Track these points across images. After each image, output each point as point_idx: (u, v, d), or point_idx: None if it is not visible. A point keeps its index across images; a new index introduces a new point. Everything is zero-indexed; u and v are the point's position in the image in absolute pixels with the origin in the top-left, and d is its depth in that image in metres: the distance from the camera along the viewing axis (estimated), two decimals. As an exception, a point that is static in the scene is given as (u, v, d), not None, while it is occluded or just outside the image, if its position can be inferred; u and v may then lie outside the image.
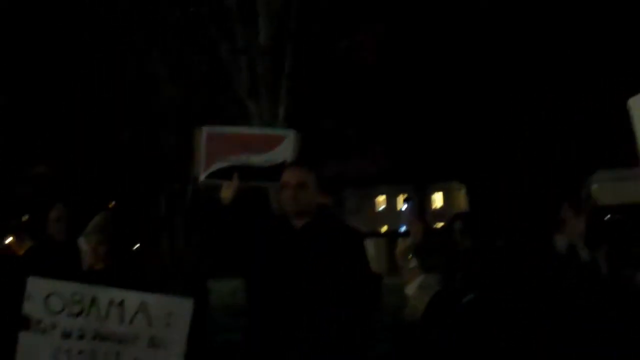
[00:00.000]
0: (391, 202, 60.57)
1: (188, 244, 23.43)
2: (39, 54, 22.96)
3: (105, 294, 4.49)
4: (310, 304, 4.08)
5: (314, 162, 4.45)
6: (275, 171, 4.67)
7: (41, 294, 4.45)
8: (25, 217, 32.26)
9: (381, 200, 61.11)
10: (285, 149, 4.83)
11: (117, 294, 4.50)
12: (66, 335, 4.44)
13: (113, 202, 26.60)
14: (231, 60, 17.71)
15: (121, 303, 4.46)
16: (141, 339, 4.46)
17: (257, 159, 4.81)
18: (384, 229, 52.24)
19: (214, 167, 4.80)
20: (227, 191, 4.56)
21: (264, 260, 4.19)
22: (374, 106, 25.15)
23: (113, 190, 27.18)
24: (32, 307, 4.44)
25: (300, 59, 18.04)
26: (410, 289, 5.81)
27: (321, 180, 4.40)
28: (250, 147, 4.84)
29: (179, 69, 20.80)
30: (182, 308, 4.51)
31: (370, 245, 5.15)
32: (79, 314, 4.45)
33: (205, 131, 4.89)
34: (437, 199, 57.65)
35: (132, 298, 4.49)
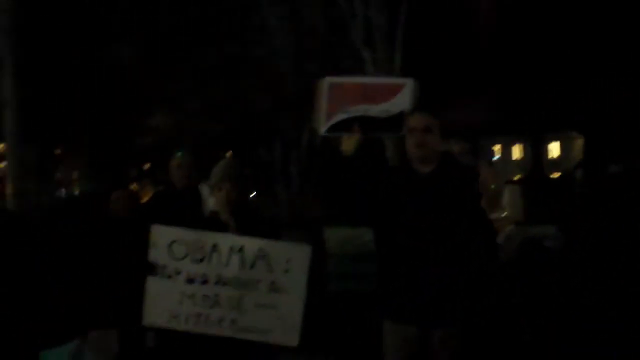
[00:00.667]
0: (506, 151, 59.45)
1: (303, 193, 23.68)
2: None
3: (226, 241, 4.58)
4: (438, 251, 4.05)
5: (437, 109, 4.36)
6: (394, 122, 4.60)
7: (165, 241, 4.57)
8: (146, 166, 33.40)
9: (496, 150, 60.04)
10: (403, 98, 4.71)
11: (237, 240, 4.58)
12: (190, 280, 4.56)
13: (230, 151, 27.12)
14: (347, 8, 17.58)
15: (241, 249, 4.55)
16: (262, 284, 4.54)
17: (376, 110, 4.72)
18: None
19: (335, 119, 4.69)
20: (349, 143, 4.50)
21: (392, 209, 4.16)
22: (488, 53, 24.54)
23: (230, 138, 27.67)
24: (157, 253, 4.57)
25: (416, 7, 17.74)
26: (499, 239, 5.72)
27: (448, 127, 4.32)
28: (370, 97, 4.73)
29: (294, 18, 20.84)
30: (300, 254, 4.56)
31: (505, 192, 5.03)
32: (201, 260, 4.56)
33: (327, 81, 4.73)
34: (554, 149, 56.08)
35: (252, 244, 4.56)
